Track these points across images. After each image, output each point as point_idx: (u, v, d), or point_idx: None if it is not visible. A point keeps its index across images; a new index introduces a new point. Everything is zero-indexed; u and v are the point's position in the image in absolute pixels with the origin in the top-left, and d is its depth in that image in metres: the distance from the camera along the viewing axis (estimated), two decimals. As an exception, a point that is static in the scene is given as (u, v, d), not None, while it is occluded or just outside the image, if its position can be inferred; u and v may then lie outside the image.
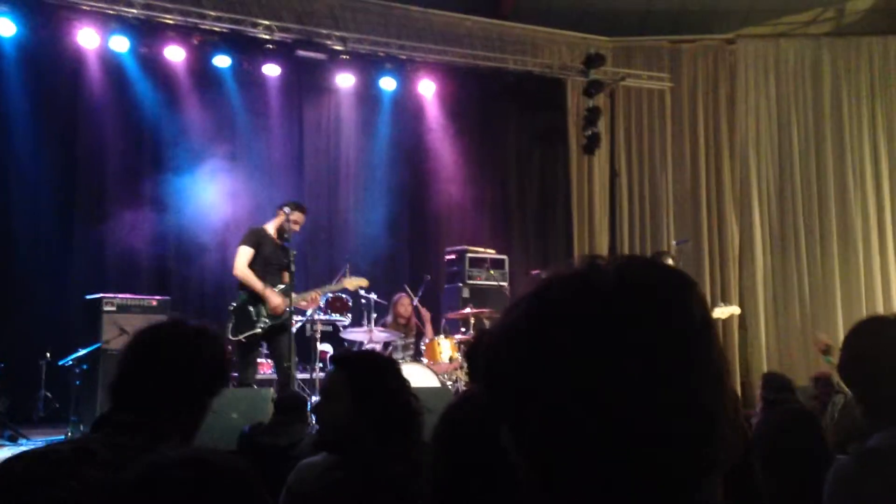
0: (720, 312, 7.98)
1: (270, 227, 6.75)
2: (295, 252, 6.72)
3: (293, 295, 6.60)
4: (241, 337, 6.44)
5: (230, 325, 6.52)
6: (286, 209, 6.70)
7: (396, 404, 2.37)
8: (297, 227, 6.69)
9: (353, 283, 7.26)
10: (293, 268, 6.62)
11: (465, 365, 3.12)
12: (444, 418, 1.76)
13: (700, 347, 0.79)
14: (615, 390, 0.75)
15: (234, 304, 6.61)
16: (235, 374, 7.45)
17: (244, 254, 6.56)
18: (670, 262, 7.79)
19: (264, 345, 6.98)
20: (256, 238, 6.65)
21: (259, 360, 7.00)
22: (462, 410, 1.73)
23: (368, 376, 2.41)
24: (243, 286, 6.60)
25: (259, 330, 6.49)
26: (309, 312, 7.69)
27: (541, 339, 0.78)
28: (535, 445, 0.78)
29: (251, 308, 6.50)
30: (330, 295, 7.64)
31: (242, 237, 6.73)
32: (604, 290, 0.79)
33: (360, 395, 2.35)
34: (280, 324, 6.55)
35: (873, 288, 10.85)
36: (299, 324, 7.66)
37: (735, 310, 8.23)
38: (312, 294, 6.89)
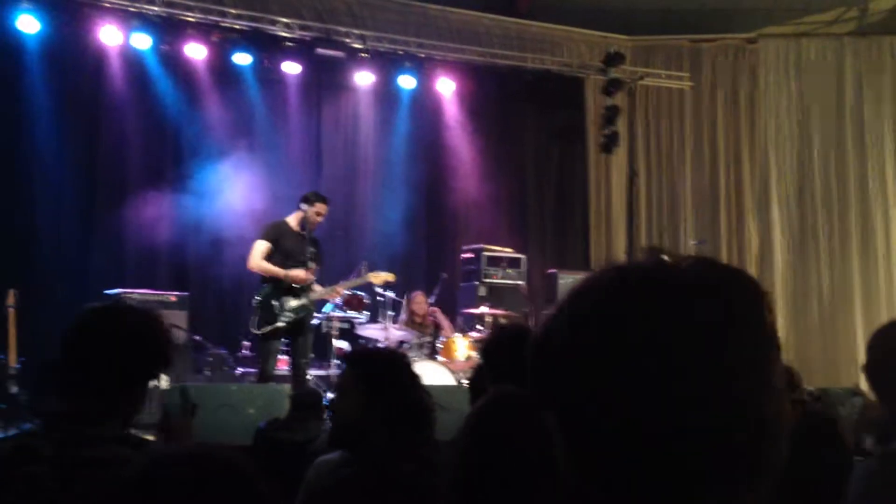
0: None
1: (292, 220, 6.71)
2: (316, 245, 6.67)
3: (319, 288, 6.60)
4: (264, 330, 6.43)
5: (255, 319, 6.52)
6: (308, 200, 6.66)
7: (408, 400, 2.38)
8: (320, 219, 6.66)
9: (379, 277, 7.20)
10: (321, 259, 6.60)
11: (483, 361, 3.11)
12: (473, 419, 1.77)
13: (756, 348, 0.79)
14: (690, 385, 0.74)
15: (258, 298, 6.57)
16: (246, 370, 7.52)
17: (258, 247, 6.54)
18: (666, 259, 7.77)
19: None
20: (275, 232, 6.62)
21: (279, 356, 6.98)
22: (491, 412, 1.75)
23: (380, 372, 2.42)
24: (266, 279, 6.58)
25: (282, 324, 6.46)
26: (328, 308, 7.73)
27: (615, 333, 0.76)
28: (596, 438, 0.76)
29: (275, 302, 6.47)
30: (348, 292, 7.67)
31: (260, 231, 6.71)
32: (680, 288, 0.78)
33: (371, 391, 2.37)
34: (303, 319, 6.54)
35: (893, 289, 10.76)
36: (316, 321, 7.70)
37: None
38: (338, 288, 6.87)
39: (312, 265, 6.65)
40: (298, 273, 6.44)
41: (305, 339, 6.57)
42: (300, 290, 6.55)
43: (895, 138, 11.05)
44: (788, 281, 10.93)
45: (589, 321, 0.78)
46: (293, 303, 6.51)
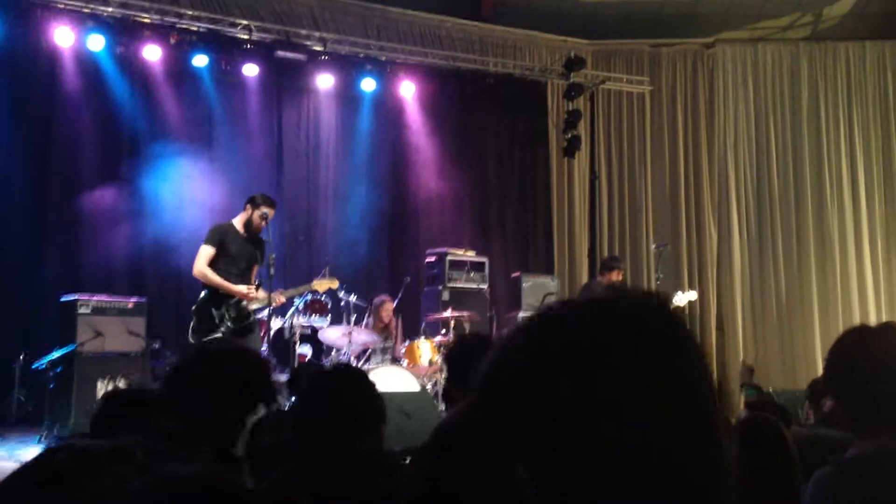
0: (679, 299, 8.04)
1: (237, 223, 6.49)
2: (268, 241, 6.39)
3: (260, 294, 6.34)
4: (201, 340, 6.21)
5: (192, 326, 6.27)
6: (254, 202, 6.44)
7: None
8: (264, 223, 6.35)
9: (323, 284, 6.97)
10: (265, 261, 6.31)
11: (445, 368, 3.11)
12: (443, 435, 1.76)
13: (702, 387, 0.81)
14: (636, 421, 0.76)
15: (196, 305, 6.34)
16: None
17: (203, 253, 6.29)
18: (618, 273, 7.85)
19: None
20: (219, 235, 6.37)
21: None
22: (459, 427, 1.74)
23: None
24: (206, 286, 6.33)
25: (220, 334, 6.18)
26: (289, 313, 7.63)
27: (566, 368, 0.78)
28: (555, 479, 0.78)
29: (214, 310, 6.24)
30: (309, 296, 7.56)
31: (206, 235, 6.46)
32: (635, 324, 0.80)
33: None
34: (245, 326, 6.31)
35: (849, 291, 10.96)
36: (278, 326, 7.60)
37: (692, 296, 8.25)
38: (277, 296, 6.47)
39: (257, 267, 6.48)
40: (240, 288, 6.25)
41: (252, 345, 6.24)
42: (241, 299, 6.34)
43: (850, 142, 11.27)
44: (747, 282, 11.09)
45: (529, 371, 0.80)
46: (231, 311, 6.28)
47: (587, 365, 0.78)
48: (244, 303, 6.30)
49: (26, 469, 1.65)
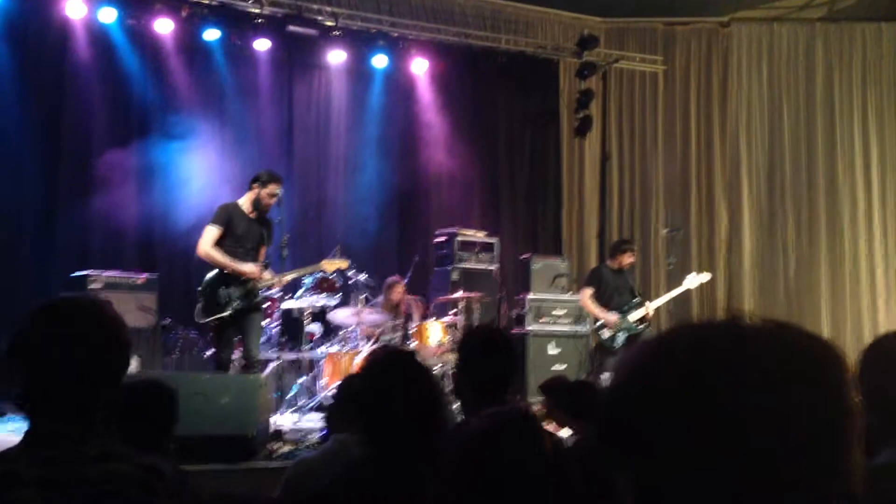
0: (691, 281, 7.98)
1: (243, 202, 6.42)
2: (279, 221, 6.40)
3: (267, 274, 6.33)
4: (208, 320, 6.21)
5: (198, 307, 6.27)
6: (260, 180, 6.38)
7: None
8: (273, 200, 6.31)
9: (332, 265, 6.89)
10: (276, 242, 6.32)
11: (459, 365, 3.10)
12: (476, 441, 1.77)
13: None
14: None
15: (202, 285, 6.31)
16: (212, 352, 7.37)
17: (208, 233, 6.25)
18: (630, 255, 7.80)
19: None
20: (225, 215, 6.31)
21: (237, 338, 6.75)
22: (496, 435, 1.76)
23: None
24: (212, 266, 6.30)
25: (228, 314, 6.18)
26: (300, 292, 7.63)
27: (698, 402, 0.76)
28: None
29: (221, 290, 6.21)
30: (319, 275, 7.55)
31: (212, 215, 6.42)
32: (770, 361, 0.78)
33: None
34: (251, 306, 6.28)
35: (858, 274, 10.93)
36: (287, 304, 7.60)
37: (705, 277, 8.18)
38: (284, 277, 6.46)
39: (264, 248, 6.43)
40: (247, 267, 6.20)
41: (254, 328, 6.30)
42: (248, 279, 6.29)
43: (864, 124, 11.18)
44: (756, 265, 11.06)
45: (671, 388, 0.77)
46: (238, 291, 6.23)
47: (717, 372, 0.77)
48: (251, 282, 6.27)
49: None
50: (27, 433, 1.64)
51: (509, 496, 1.71)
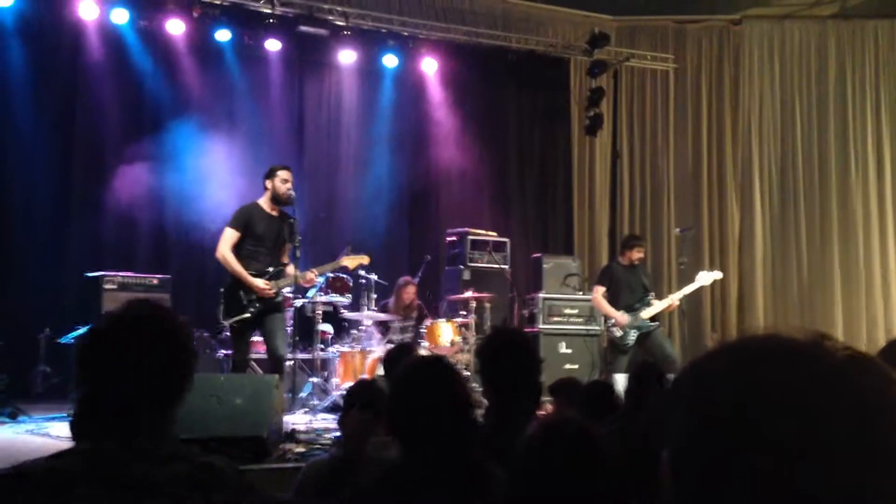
0: (704, 279, 7.99)
1: (262, 201, 6.42)
2: (291, 224, 6.34)
3: (291, 272, 6.33)
4: (231, 321, 6.23)
5: (220, 308, 6.31)
6: (270, 174, 6.40)
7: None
8: (287, 186, 6.31)
9: (354, 261, 6.96)
10: (294, 239, 6.27)
11: (480, 366, 3.09)
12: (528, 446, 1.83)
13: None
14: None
15: (224, 287, 6.36)
16: (229, 353, 7.40)
17: (226, 236, 6.26)
18: (639, 250, 7.80)
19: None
20: (244, 217, 6.32)
21: (254, 339, 6.79)
22: (548, 439, 1.82)
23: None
24: None
25: (248, 315, 6.19)
26: (311, 293, 7.65)
27: (764, 410, 0.74)
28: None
29: (241, 292, 6.22)
30: (330, 275, 7.57)
31: (230, 218, 6.42)
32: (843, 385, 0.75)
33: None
34: (272, 306, 6.28)
35: (872, 273, 10.87)
36: (300, 303, 7.63)
37: (718, 275, 8.20)
38: (309, 275, 6.49)
39: (288, 245, 6.45)
40: (257, 282, 6.19)
41: (277, 327, 6.29)
42: (270, 277, 6.28)
43: (877, 122, 11.12)
44: (769, 264, 11.02)
45: (738, 390, 0.76)
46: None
47: (789, 385, 0.75)
48: (272, 283, 6.28)
49: None
50: (84, 433, 1.66)
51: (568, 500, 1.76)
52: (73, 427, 1.67)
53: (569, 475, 1.77)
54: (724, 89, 11.21)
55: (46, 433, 6.01)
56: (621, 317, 7.62)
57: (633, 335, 7.61)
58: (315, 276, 6.57)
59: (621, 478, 1.83)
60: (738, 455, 0.73)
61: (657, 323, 7.82)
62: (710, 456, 0.75)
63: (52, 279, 8.29)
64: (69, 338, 7.16)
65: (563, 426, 1.86)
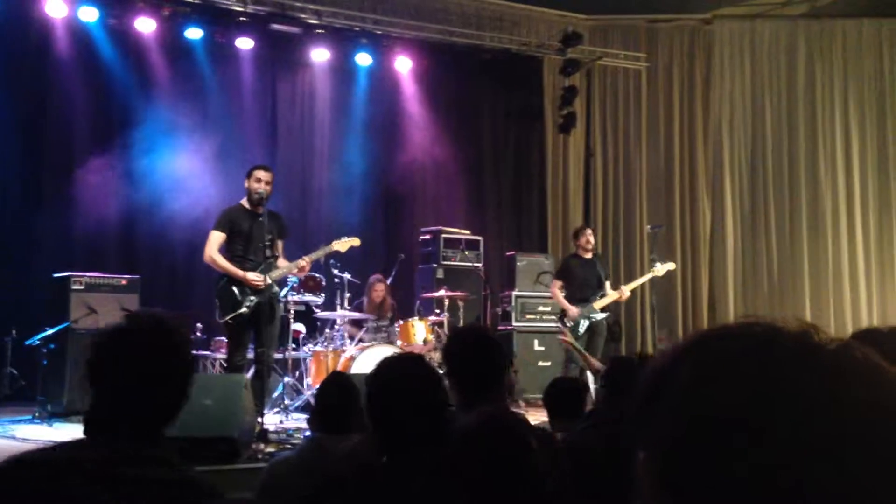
0: (659, 270, 8.11)
1: (244, 201, 6.40)
2: (278, 219, 6.38)
3: (283, 263, 6.34)
4: (228, 318, 6.17)
5: (217, 309, 6.25)
6: (248, 175, 6.38)
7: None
8: (262, 185, 6.25)
9: (345, 244, 6.86)
10: (285, 232, 6.34)
11: (443, 362, 3.09)
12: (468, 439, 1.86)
13: None
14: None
15: (217, 287, 6.30)
16: (219, 355, 7.32)
17: (211, 239, 6.24)
18: (587, 234, 7.90)
19: None
20: (227, 218, 6.30)
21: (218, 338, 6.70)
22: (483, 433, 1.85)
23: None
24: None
25: (245, 310, 6.12)
26: (283, 292, 7.59)
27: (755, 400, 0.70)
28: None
29: (235, 288, 6.18)
30: (303, 276, 7.49)
31: (214, 221, 6.40)
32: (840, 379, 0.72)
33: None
34: (267, 303, 6.21)
35: (841, 269, 11.02)
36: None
37: (671, 266, 8.36)
38: (301, 262, 6.42)
39: (280, 242, 6.44)
40: (250, 275, 6.14)
41: (271, 325, 6.24)
42: (262, 270, 6.23)
43: (845, 120, 11.26)
44: (739, 260, 11.13)
45: (726, 379, 0.72)
46: (251, 287, 6.18)
47: (780, 375, 0.71)
48: (265, 279, 6.21)
49: None
50: (91, 433, 1.77)
51: (500, 494, 1.78)
52: (84, 424, 1.79)
53: (498, 464, 1.80)
54: (695, 88, 11.30)
55: (12, 436, 5.93)
56: (572, 309, 7.75)
57: (583, 325, 7.76)
58: (307, 264, 6.46)
59: (548, 475, 1.86)
60: (737, 456, 0.69)
61: (608, 313, 7.92)
62: (704, 458, 0.70)
63: (20, 280, 8.18)
64: (36, 339, 7.06)
65: (496, 419, 1.90)
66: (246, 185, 6.39)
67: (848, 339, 0.76)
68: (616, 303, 8.10)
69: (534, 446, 1.86)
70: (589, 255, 7.97)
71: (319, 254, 6.73)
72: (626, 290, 8.03)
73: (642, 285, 8.56)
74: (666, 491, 0.73)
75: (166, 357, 1.82)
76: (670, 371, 0.76)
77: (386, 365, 2.36)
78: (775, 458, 0.69)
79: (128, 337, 1.83)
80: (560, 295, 7.90)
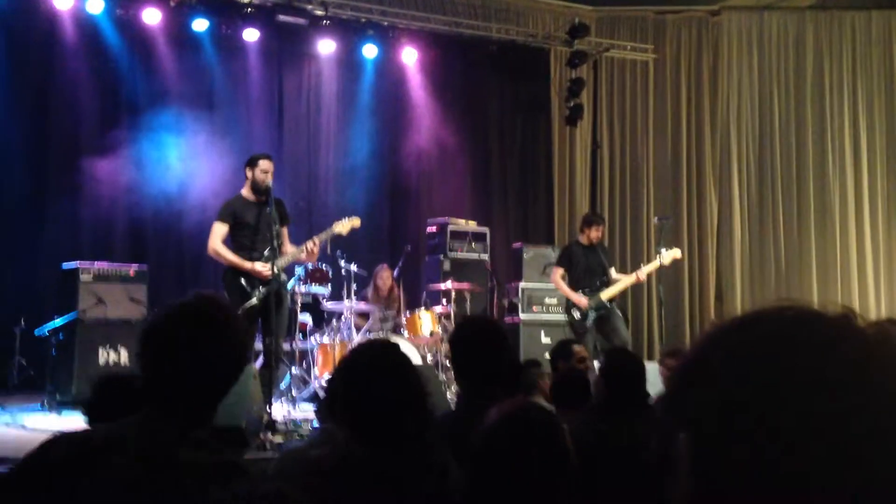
0: (664, 257, 7.90)
1: (246, 192, 6.36)
2: (280, 206, 6.33)
3: (290, 249, 6.30)
4: (238, 312, 6.14)
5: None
6: (251, 163, 6.34)
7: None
8: (268, 176, 6.23)
9: (345, 225, 6.76)
10: (288, 219, 6.33)
11: (451, 355, 3.07)
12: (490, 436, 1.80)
13: None
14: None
15: (224, 278, 6.28)
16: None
17: (214, 231, 6.21)
18: (597, 228, 7.73)
19: None
20: (230, 210, 6.27)
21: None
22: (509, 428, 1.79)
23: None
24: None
25: (255, 300, 6.07)
26: (291, 283, 7.59)
27: (789, 384, 0.70)
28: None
29: (242, 279, 6.14)
30: (310, 266, 7.50)
31: (217, 213, 6.36)
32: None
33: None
34: (276, 294, 6.12)
35: (849, 262, 10.98)
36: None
37: (676, 253, 8.09)
38: (308, 244, 6.37)
39: (284, 229, 6.42)
40: (257, 266, 6.11)
41: (279, 314, 6.17)
42: (267, 258, 6.15)
43: (854, 112, 11.20)
44: (746, 252, 11.10)
45: (762, 362, 0.72)
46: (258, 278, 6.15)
47: (816, 360, 0.72)
48: (273, 267, 6.16)
49: (24, 464, 1.65)
50: (142, 415, 1.75)
51: (530, 488, 1.75)
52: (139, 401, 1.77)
53: (529, 463, 1.74)
54: (702, 80, 11.26)
55: (21, 425, 5.96)
56: (581, 299, 7.56)
57: (592, 317, 7.55)
58: (315, 247, 6.38)
59: (577, 469, 1.82)
60: (780, 441, 0.69)
61: (614, 304, 7.77)
62: (740, 442, 0.70)
63: (28, 270, 8.21)
64: (45, 329, 7.09)
65: (523, 414, 1.84)
66: (249, 174, 6.34)
67: (884, 323, 0.75)
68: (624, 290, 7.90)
69: (570, 446, 1.81)
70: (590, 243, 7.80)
71: (323, 237, 6.67)
72: (642, 274, 7.79)
73: (649, 276, 8.48)
74: (702, 471, 0.73)
75: (225, 339, 1.79)
76: (707, 355, 0.76)
77: (354, 354, 2.30)
78: (811, 441, 0.68)
79: (189, 317, 1.80)
80: (563, 284, 7.69)
